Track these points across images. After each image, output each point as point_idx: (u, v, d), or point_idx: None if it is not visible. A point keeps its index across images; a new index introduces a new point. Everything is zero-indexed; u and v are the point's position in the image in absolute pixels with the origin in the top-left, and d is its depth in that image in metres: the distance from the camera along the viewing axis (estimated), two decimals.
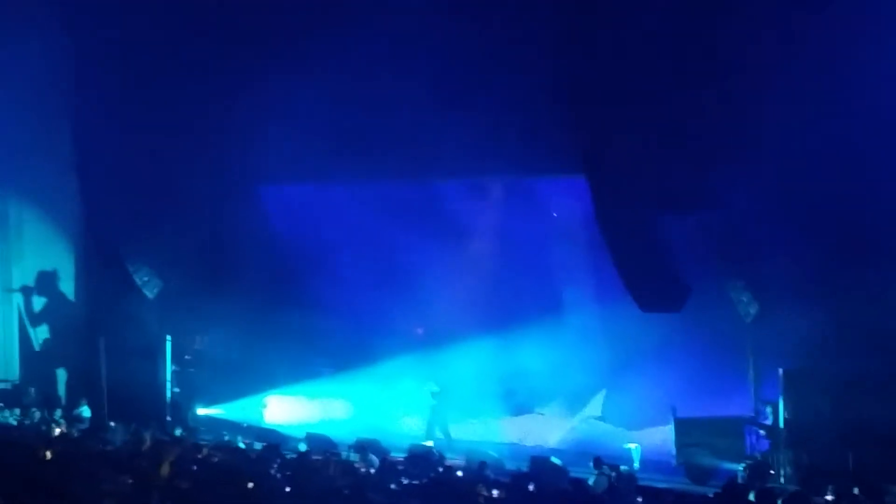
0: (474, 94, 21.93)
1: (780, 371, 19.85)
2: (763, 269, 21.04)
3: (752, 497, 15.12)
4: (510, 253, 25.11)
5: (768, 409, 20.12)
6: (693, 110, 20.08)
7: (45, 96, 24.91)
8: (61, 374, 25.52)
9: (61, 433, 20.74)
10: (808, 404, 19.56)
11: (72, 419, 22.44)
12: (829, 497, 15.22)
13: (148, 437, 19.21)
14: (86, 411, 23.12)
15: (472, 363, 24.68)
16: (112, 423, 22.35)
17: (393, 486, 15.78)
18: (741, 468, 19.24)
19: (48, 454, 16.51)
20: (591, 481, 17.28)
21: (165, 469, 15.61)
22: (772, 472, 19.42)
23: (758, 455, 20.12)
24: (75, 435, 20.62)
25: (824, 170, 19.38)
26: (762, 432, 20.25)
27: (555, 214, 24.75)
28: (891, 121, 18.80)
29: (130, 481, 14.11)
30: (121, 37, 24.20)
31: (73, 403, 23.84)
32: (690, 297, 21.33)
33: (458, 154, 22.63)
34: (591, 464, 18.03)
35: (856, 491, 15.32)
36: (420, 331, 26.63)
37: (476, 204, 25.42)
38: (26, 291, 25.53)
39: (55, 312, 25.72)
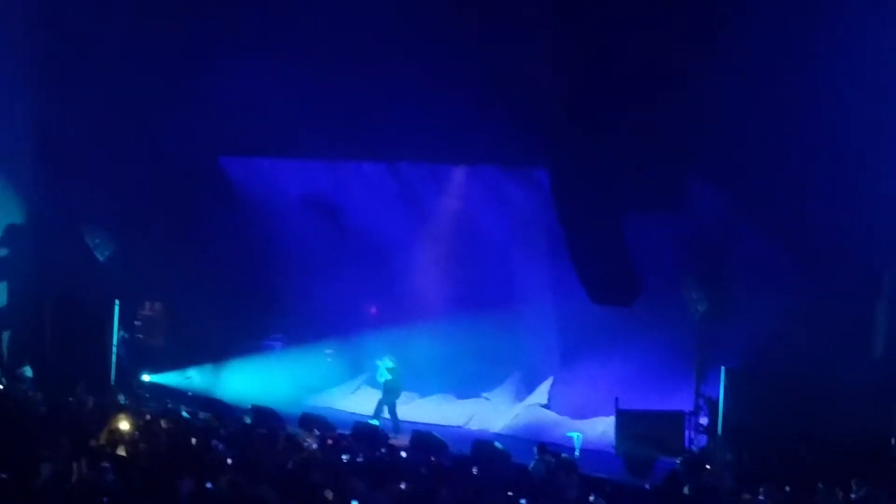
0: (444, 79, 21.86)
1: (722, 369, 20.02)
2: (716, 269, 21.23)
3: (686, 491, 15.28)
4: (468, 238, 25.15)
5: (707, 406, 20.30)
6: (664, 113, 20.14)
7: (3, 59, 24.58)
8: (5, 334, 25.19)
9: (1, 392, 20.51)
10: (747, 404, 19.72)
11: (13, 378, 22.17)
12: (760, 497, 15.34)
13: (90, 402, 19.11)
14: (28, 371, 22.86)
15: (422, 345, 24.72)
16: (54, 386, 22.15)
17: (336, 463, 15.82)
18: (678, 462, 19.39)
19: None
20: (531, 467, 17.37)
21: (106, 436, 15.55)
22: (707, 467, 19.58)
23: (695, 450, 20.30)
24: (15, 395, 20.40)
25: (788, 177, 19.57)
26: (701, 428, 20.43)
27: None
28: (857, 131, 18.90)
29: (68, 446, 14.04)
30: (83, 4, 23.94)
31: (15, 363, 23.57)
32: (643, 291, 21.46)
33: (424, 138, 22.64)
34: (536, 449, 18.07)
35: (787, 489, 15.51)
36: (373, 310, 26.64)
37: (438, 188, 25.43)
38: None
39: (3, 270, 25.44)
